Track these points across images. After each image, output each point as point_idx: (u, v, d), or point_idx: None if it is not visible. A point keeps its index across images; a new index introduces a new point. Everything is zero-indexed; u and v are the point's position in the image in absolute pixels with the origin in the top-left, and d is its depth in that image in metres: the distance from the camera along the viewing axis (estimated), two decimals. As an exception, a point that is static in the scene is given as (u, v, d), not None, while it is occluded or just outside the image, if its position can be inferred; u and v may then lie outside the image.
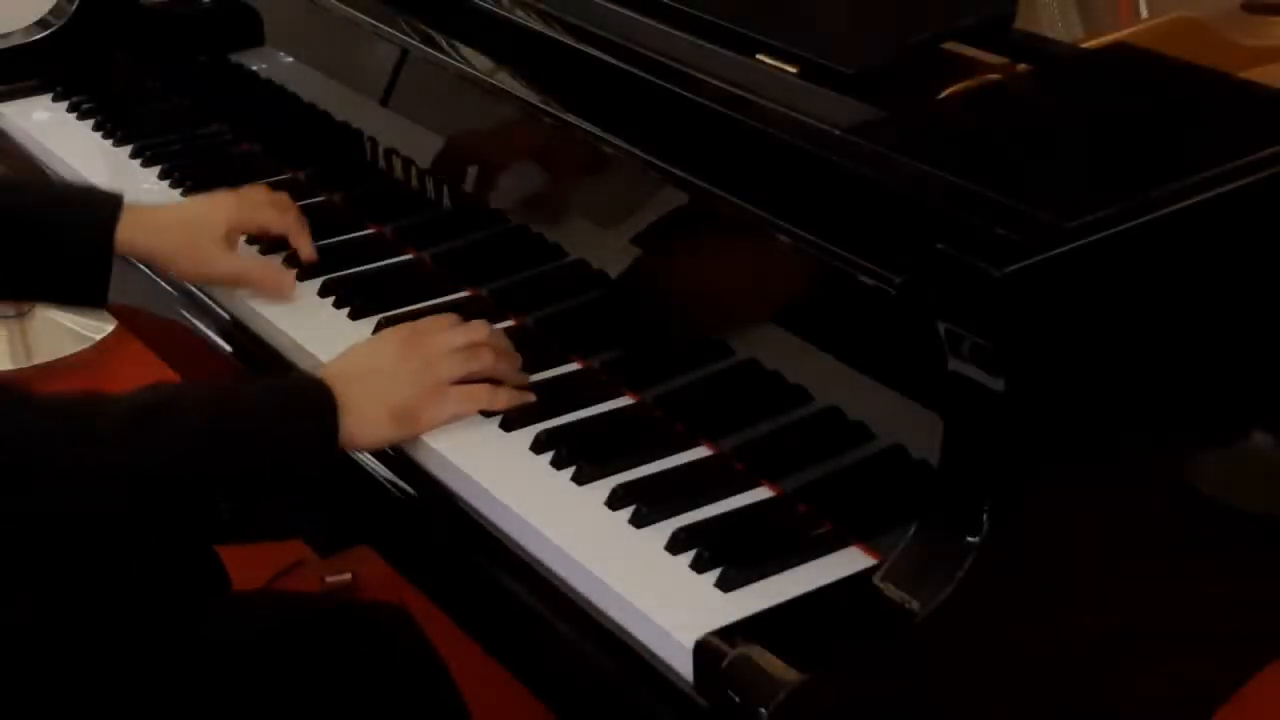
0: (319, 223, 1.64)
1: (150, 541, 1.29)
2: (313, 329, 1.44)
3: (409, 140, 1.59)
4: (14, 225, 1.45)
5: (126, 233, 1.46)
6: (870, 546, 1.14)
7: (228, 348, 1.52)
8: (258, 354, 1.48)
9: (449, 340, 1.29)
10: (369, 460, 1.31)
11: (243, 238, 1.54)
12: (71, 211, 1.49)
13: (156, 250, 1.48)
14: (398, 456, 1.30)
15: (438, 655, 1.39)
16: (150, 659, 1.30)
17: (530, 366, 1.37)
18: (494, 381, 1.31)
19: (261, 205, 1.54)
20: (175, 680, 1.29)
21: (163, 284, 1.58)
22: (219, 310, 1.54)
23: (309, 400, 1.24)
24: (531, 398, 1.31)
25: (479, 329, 1.33)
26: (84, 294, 1.51)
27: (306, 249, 1.54)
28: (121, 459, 1.17)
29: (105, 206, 1.48)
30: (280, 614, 1.40)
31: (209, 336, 1.54)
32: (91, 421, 1.18)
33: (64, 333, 2.93)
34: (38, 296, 1.56)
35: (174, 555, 1.45)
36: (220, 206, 1.51)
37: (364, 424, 1.23)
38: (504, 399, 1.30)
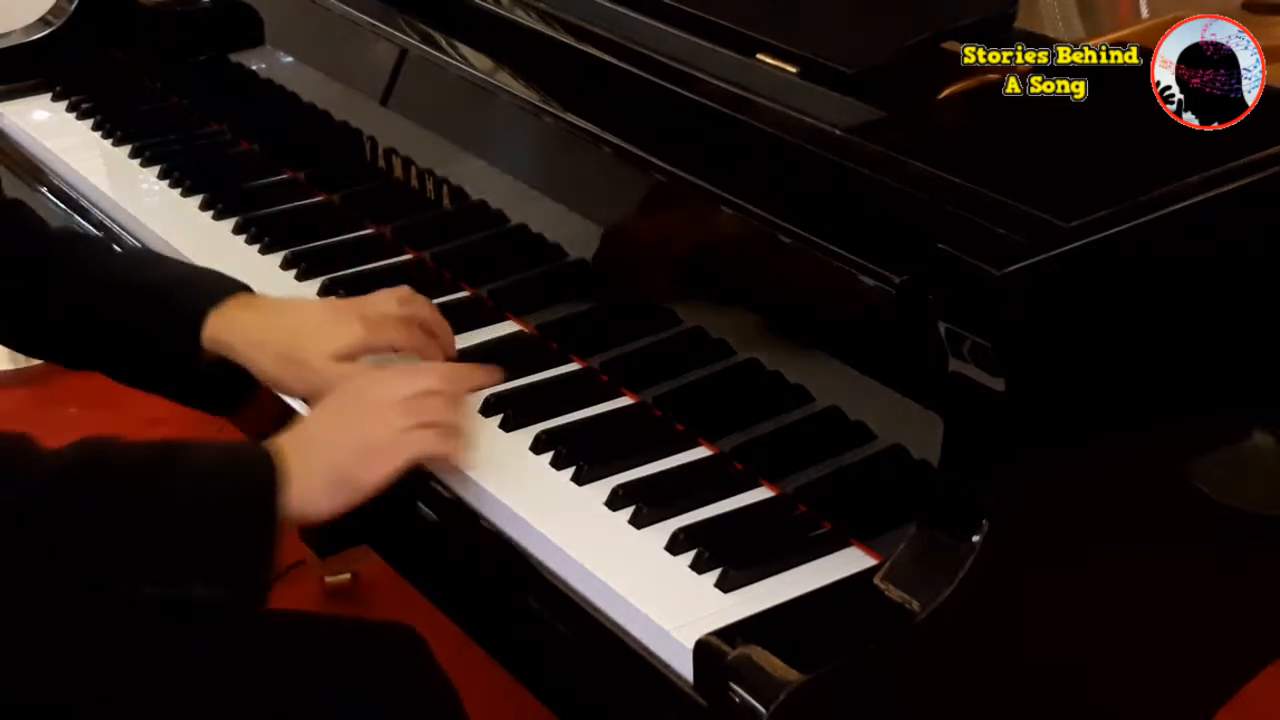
0: (319, 223, 1.64)
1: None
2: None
3: (409, 140, 1.58)
4: (118, 302, 1.33)
5: (219, 331, 1.30)
6: (870, 546, 1.14)
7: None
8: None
9: (394, 390, 1.20)
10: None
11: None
12: (168, 298, 1.33)
13: (251, 356, 1.29)
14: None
15: (450, 684, 1.38)
16: (139, 677, 1.28)
17: (530, 366, 1.37)
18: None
19: (389, 325, 1.31)
20: (172, 701, 1.28)
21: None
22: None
23: (250, 477, 1.13)
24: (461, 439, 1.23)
25: (430, 374, 1.24)
26: (187, 394, 1.36)
27: (447, 353, 1.36)
28: (46, 521, 1.07)
29: (203, 296, 1.32)
30: (289, 635, 1.39)
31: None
32: (13, 476, 1.08)
33: (64, 333, 2.91)
34: (145, 387, 1.38)
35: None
36: (343, 322, 1.30)
37: (301, 498, 1.14)
38: (453, 446, 1.22)
